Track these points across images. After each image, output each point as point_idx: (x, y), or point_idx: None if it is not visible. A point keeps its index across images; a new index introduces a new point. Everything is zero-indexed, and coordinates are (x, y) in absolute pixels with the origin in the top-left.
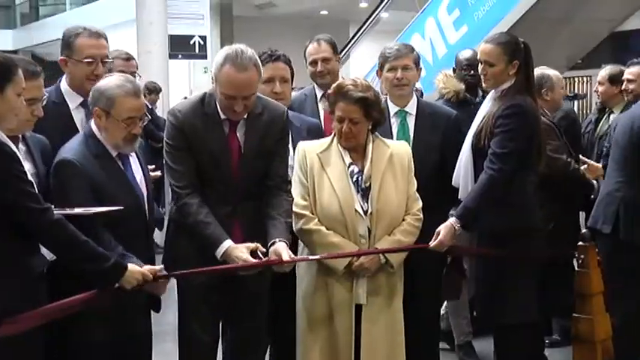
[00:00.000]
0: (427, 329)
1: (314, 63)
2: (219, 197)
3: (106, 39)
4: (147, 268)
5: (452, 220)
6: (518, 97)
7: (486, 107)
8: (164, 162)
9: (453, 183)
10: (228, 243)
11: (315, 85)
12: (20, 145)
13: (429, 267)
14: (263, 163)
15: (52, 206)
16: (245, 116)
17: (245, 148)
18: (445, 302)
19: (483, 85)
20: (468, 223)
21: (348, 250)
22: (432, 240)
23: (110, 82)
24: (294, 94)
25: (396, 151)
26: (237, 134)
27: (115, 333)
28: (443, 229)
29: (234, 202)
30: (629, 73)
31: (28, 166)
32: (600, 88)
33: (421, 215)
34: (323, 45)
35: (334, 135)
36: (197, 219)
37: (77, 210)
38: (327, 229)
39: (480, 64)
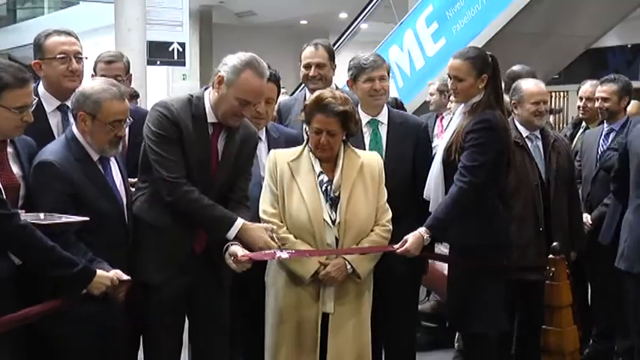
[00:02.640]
0: (403, 339)
1: (308, 66)
2: None
3: (76, 38)
4: (113, 272)
5: (421, 229)
6: (488, 111)
7: (456, 122)
8: (150, 153)
9: (424, 196)
10: (241, 221)
11: (307, 90)
12: (8, 148)
13: (403, 276)
14: (233, 175)
15: (19, 212)
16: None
17: (222, 157)
18: None
19: (453, 99)
20: (437, 234)
21: (314, 259)
22: (399, 245)
23: (95, 86)
24: (284, 99)
25: (367, 161)
26: (218, 142)
27: (94, 337)
28: (411, 237)
29: None
30: (602, 91)
31: (15, 169)
32: (582, 103)
33: (390, 226)
34: (320, 50)
35: (306, 144)
36: (203, 203)
37: (42, 216)
38: (295, 237)
39: (449, 79)
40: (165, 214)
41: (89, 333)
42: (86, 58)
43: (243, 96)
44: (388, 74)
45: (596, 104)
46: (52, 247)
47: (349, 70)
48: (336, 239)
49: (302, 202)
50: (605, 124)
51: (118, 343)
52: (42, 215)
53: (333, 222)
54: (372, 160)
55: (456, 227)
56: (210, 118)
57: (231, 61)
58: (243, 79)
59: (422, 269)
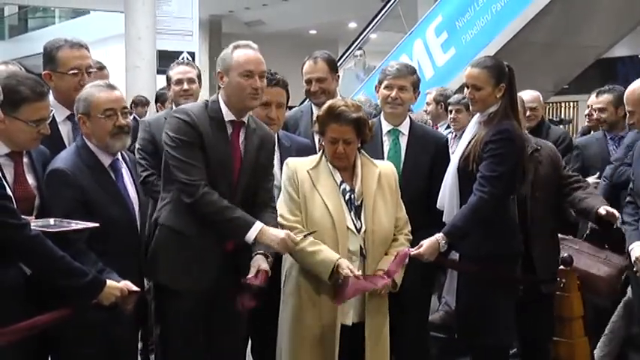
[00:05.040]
0: (415, 349)
1: (309, 82)
2: None
3: (87, 49)
4: (123, 283)
5: (438, 235)
6: (505, 122)
7: (472, 131)
8: (169, 159)
9: (437, 205)
10: (260, 224)
11: (312, 103)
12: (24, 159)
13: (415, 286)
14: (258, 175)
15: (30, 219)
16: (245, 125)
17: (245, 156)
18: None
19: (471, 108)
20: (454, 242)
21: (333, 255)
22: (415, 248)
23: (85, 89)
24: (289, 112)
25: (384, 171)
26: (239, 141)
27: (102, 344)
28: (427, 242)
29: None
30: (598, 102)
31: (30, 180)
32: (589, 111)
33: (411, 237)
34: (319, 63)
35: (322, 153)
36: (222, 204)
37: (52, 222)
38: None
39: (466, 88)
40: (191, 221)
41: (96, 339)
42: (96, 70)
43: (243, 69)
44: (415, 87)
45: (594, 115)
46: (62, 257)
47: (379, 74)
48: (361, 247)
49: (325, 210)
50: (608, 136)
51: (123, 352)
52: (52, 221)
53: (358, 230)
54: (387, 169)
55: (470, 237)
56: (228, 116)
57: (223, 54)
58: (236, 57)
59: (433, 282)
